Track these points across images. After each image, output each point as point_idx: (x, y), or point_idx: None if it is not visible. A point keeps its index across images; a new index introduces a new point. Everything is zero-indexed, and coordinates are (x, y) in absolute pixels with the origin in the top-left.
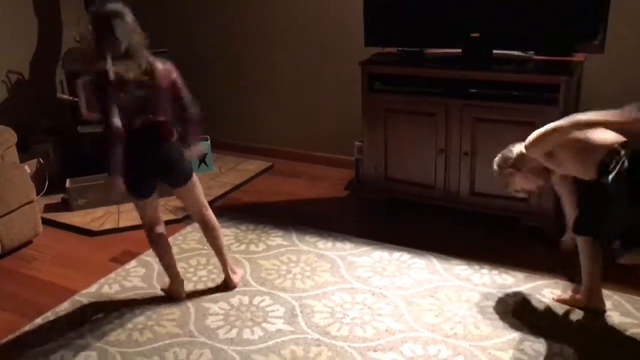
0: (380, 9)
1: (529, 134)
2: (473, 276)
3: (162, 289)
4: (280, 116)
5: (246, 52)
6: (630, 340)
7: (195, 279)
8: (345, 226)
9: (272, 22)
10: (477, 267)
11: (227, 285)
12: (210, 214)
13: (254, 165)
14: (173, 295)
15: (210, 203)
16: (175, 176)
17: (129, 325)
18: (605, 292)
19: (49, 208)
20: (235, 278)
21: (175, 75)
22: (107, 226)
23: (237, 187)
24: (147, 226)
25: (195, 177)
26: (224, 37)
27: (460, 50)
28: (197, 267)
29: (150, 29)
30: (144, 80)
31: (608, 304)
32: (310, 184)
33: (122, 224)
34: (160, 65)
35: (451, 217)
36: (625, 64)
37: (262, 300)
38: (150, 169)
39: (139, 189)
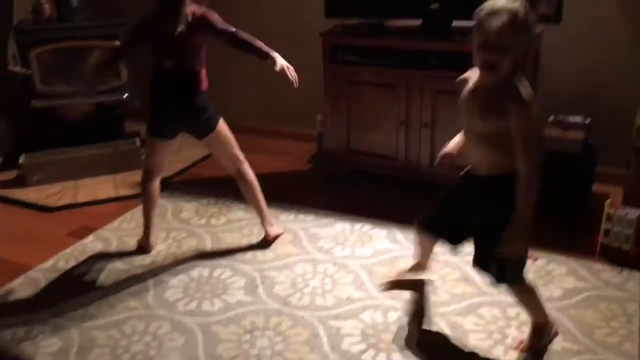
0: None
1: None
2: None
3: (137, 241)
4: (241, 91)
5: None
6: (585, 302)
7: (154, 252)
8: (308, 199)
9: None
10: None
11: (265, 240)
12: (245, 167)
13: None
14: (143, 245)
15: (170, 178)
16: (197, 127)
17: (85, 300)
18: (561, 258)
19: (2, 185)
20: (272, 231)
21: (209, 18)
22: (63, 202)
23: (197, 162)
24: (146, 172)
25: (221, 128)
26: None
27: (420, 22)
28: (155, 241)
29: None
30: (180, 24)
31: (563, 269)
32: (273, 158)
33: (79, 199)
34: (195, 11)
35: (412, 187)
36: (581, 34)
37: (223, 273)
38: (173, 114)
39: (158, 128)
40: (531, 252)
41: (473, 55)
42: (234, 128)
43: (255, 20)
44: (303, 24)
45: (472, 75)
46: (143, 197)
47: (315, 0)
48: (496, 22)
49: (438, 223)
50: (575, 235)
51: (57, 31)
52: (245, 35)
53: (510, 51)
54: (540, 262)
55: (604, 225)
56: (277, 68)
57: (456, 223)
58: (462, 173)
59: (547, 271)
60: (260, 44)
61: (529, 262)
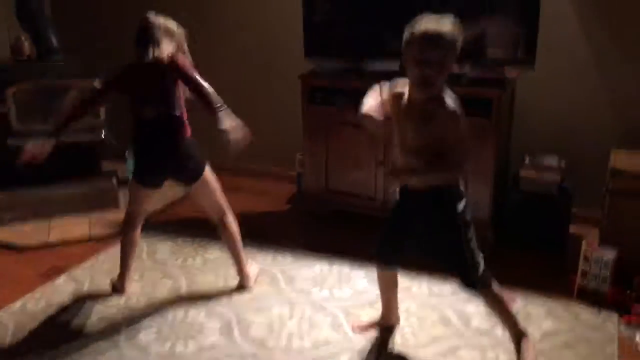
0: (319, 23)
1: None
2: (412, 286)
3: (111, 280)
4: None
5: None
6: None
7: (127, 293)
8: (287, 239)
9: (213, 37)
10: (415, 277)
11: (241, 286)
12: (228, 218)
13: None
14: (117, 287)
15: (148, 217)
16: (182, 174)
17: (54, 343)
18: (539, 299)
19: None
20: (249, 281)
21: (180, 62)
22: (35, 241)
23: (175, 202)
24: (128, 218)
25: (207, 176)
26: None
27: (398, 65)
28: (130, 283)
29: (86, 35)
30: (157, 69)
31: (541, 310)
32: (252, 198)
33: (52, 239)
34: (171, 56)
35: None
36: (555, 78)
37: (198, 314)
38: (157, 163)
39: (143, 176)
40: (510, 294)
41: (407, 71)
42: (213, 168)
43: (236, 63)
44: (283, 66)
45: (404, 90)
46: (122, 243)
47: (296, 42)
48: (434, 41)
49: (395, 252)
50: (553, 276)
51: (34, 70)
52: (206, 90)
53: (445, 67)
54: (519, 303)
55: (581, 266)
56: (220, 127)
57: (410, 245)
58: (397, 196)
59: (526, 313)
60: (212, 100)
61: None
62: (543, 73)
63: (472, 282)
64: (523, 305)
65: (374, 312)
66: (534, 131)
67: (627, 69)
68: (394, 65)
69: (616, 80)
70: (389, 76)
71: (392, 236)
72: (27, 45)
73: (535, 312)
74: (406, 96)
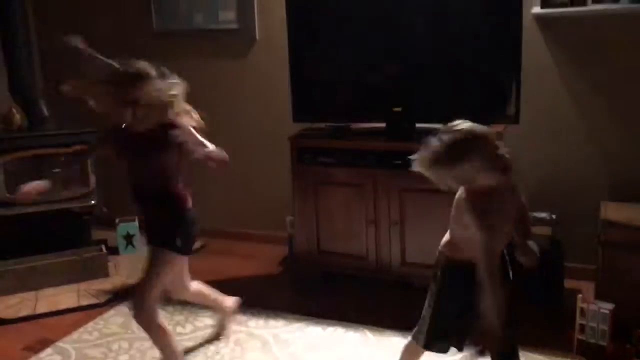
0: (307, 87)
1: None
2: None
3: None
4: (212, 195)
5: None
6: None
7: None
8: (278, 303)
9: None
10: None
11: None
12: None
13: None
14: None
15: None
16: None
17: None
18: (539, 357)
19: None
20: (230, 318)
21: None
22: (22, 313)
23: None
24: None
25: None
26: None
27: (384, 125)
28: (118, 351)
29: (77, 106)
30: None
31: None
32: (243, 262)
33: (39, 310)
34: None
35: (385, 288)
36: (541, 133)
37: None
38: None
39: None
40: None
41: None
42: (204, 232)
43: (228, 127)
44: (272, 129)
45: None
46: (160, 331)
47: (284, 107)
48: None
49: (447, 336)
50: (551, 332)
51: (24, 140)
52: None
53: None
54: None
55: (578, 321)
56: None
57: (464, 326)
58: (440, 269)
59: None
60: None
61: None
62: (529, 127)
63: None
64: None
65: None
66: (522, 186)
67: (611, 122)
68: (380, 124)
69: (601, 134)
70: (373, 135)
71: (448, 322)
72: (18, 116)
73: None
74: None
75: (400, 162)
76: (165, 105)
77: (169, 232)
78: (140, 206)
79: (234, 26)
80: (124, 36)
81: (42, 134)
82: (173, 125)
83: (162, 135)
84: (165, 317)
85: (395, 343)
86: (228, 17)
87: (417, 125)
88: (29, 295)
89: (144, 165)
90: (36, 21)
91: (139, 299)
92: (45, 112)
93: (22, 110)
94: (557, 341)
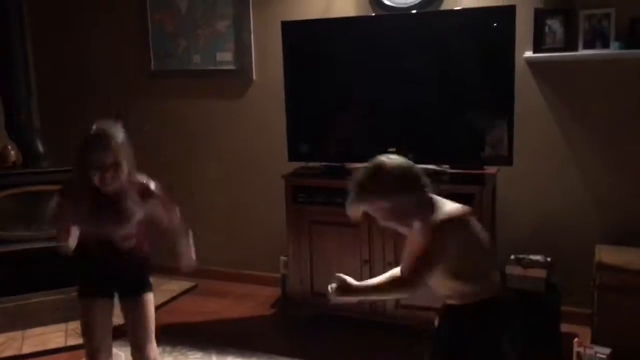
0: (302, 127)
1: None
2: None
3: None
4: (205, 235)
5: (170, 172)
6: None
7: None
8: (270, 345)
9: (198, 140)
10: None
11: None
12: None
13: (176, 286)
14: None
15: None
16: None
17: None
18: None
19: None
20: None
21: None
22: (7, 354)
23: (157, 309)
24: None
25: (150, 297)
26: (151, 155)
27: None
28: None
29: (74, 144)
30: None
31: None
32: (236, 303)
33: (25, 351)
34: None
35: (379, 330)
36: (535, 175)
37: None
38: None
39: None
40: None
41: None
42: (197, 272)
43: (222, 169)
44: (268, 168)
45: None
46: None
47: (279, 146)
48: None
49: None
50: None
51: (17, 177)
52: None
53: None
54: None
55: None
56: (179, 248)
57: None
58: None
59: None
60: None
61: None
62: (523, 169)
63: None
64: None
65: None
66: (517, 229)
67: (605, 165)
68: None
69: (595, 176)
70: None
71: None
72: (13, 153)
73: None
74: None
75: None
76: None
77: (144, 276)
78: (101, 259)
79: (232, 67)
80: (121, 76)
81: (35, 170)
82: (143, 186)
83: (132, 195)
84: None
85: None
86: (226, 58)
87: None
88: (16, 334)
89: (113, 222)
90: (35, 60)
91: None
92: (41, 149)
93: (17, 147)
94: None
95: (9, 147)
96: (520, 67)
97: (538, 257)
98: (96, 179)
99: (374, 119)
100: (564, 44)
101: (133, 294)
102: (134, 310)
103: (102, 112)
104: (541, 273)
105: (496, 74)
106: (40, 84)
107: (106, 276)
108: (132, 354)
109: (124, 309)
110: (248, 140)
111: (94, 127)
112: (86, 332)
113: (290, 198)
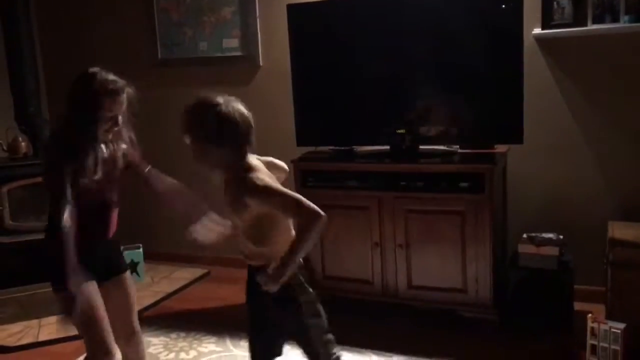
0: (310, 111)
1: (459, 223)
2: None
3: None
4: None
5: (182, 159)
6: None
7: None
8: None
9: None
10: None
11: None
12: (140, 337)
13: (188, 273)
14: None
15: (140, 312)
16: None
17: None
18: None
19: None
20: None
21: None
22: (24, 341)
23: (169, 296)
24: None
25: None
26: (158, 143)
27: (388, 147)
28: None
29: None
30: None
31: None
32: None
33: (41, 338)
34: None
35: (391, 312)
36: (545, 152)
37: None
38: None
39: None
40: None
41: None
42: (208, 259)
43: None
44: (276, 154)
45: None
46: None
47: (287, 132)
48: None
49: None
50: (561, 355)
51: (29, 167)
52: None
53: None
54: None
55: (589, 341)
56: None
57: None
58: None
59: None
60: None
61: None
62: (533, 147)
63: None
64: None
65: None
66: (529, 207)
67: (616, 141)
68: (383, 148)
69: (607, 152)
70: (378, 156)
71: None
72: (23, 145)
73: None
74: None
75: (405, 183)
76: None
77: (122, 257)
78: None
79: (238, 53)
80: (128, 65)
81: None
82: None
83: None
84: (168, 344)
85: None
86: (232, 44)
87: (421, 147)
88: (32, 323)
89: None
90: (43, 53)
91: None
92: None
93: (27, 139)
94: None
95: (20, 138)
96: (529, 44)
97: (550, 235)
98: (107, 126)
99: (382, 101)
100: (572, 20)
101: (116, 274)
102: (119, 288)
103: None
104: (554, 251)
105: (505, 51)
106: (48, 75)
107: (96, 259)
108: (120, 329)
109: (106, 291)
110: (257, 126)
111: (99, 70)
112: (97, 317)
113: (299, 182)
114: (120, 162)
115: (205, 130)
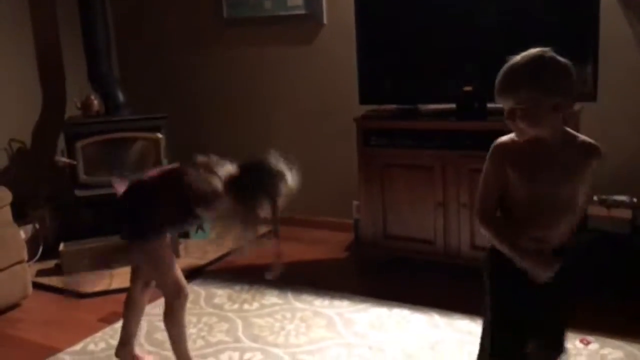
0: (374, 69)
1: None
2: (475, 329)
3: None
4: None
5: (243, 120)
6: None
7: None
8: (344, 285)
9: (269, 88)
10: (479, 320)
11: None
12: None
13: None
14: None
15: (204, 267)
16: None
17: None
18: (616, 343)
19: (41, 273)
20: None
21: None
22: (97, 288)
23: (234, 251)
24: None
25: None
26: (223, 103)
27: (454, 105)
28: (187, 325)
29: (151, 93)
30: None
31: (619, 354)
32: (310, 246)
33: (113, 286)
34: None
35: (453, 273)
36: (619, 114)
37: (253, 356)
38: None
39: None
40: (582, 336)
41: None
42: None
43: (295, 113)
44: (339, 113)
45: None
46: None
47: (351, 91)
48: None
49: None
50: (629, 319)
51: (102, 124)
52: None
53: None
54: (593, 346)
55: None
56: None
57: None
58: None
59: (602, 356)
60: None
61: (581, 345)
62: (608, 109)
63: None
64: (597, 349)
65: (436, 354)
66: (601, 168)
67: None
68: (449, 105)
69: None
70: (442, 116)
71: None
72: (96, 103)
73: (613, 355)
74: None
75: (470, 142)
76: None
77: None
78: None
79: (302, 11)
80: (194, 25)
81: (118, 119)
82: None
83: None
84: (232, 296)
85: (462, 325)
86: (296, 2)
87: (489, 105)
88: (104, 272)
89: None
90: (113, 10)
91: None
92: (122, 98)
93: (99, 98)
94: (636, 329)
95: (92, 97)
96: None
97: (623, 198)
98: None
99: (448, 58)
100: None
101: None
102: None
103: (177, 61)
104: (627, 214)
105: (580, 6)
106: (119, 36)
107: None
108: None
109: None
110: (319, 85)
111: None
112: (171, 264)
113: (361, 141)
114: None
115: (557, 83)
